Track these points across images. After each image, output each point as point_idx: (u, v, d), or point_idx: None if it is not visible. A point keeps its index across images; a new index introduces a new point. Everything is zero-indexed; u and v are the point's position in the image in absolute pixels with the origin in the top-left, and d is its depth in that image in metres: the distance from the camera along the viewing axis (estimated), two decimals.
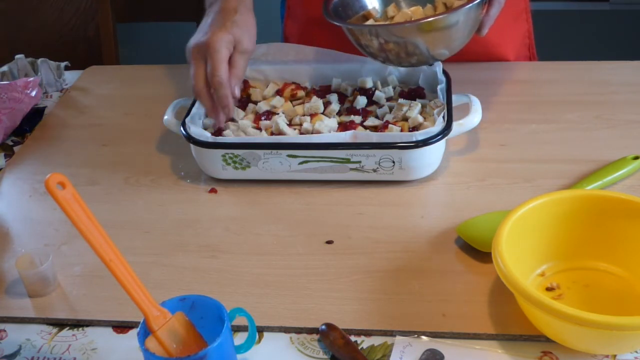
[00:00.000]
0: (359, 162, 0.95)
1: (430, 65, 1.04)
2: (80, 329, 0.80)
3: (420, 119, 0.99)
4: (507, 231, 0.74)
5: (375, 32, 0.95)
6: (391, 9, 1.05)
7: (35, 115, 1.22)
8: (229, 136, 0.99)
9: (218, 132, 1.00)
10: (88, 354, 0.76)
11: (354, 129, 0.98)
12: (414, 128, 0.98)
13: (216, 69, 0.93)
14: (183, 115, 1.01)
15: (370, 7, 1.06)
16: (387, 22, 1.03)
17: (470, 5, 0.92)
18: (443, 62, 1.05)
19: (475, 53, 1.19)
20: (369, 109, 1.04)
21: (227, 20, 0.96)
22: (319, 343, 0.75)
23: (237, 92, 0.96)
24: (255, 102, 1.07)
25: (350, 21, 1.04)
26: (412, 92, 1.06)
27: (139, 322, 0.68)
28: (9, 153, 1.13)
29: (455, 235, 0.87)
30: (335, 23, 0.99)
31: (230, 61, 0.96)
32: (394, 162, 0.94)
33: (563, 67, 1.23)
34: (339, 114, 1.04)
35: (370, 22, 1.04)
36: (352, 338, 0.75)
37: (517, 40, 1.27)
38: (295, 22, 1.29)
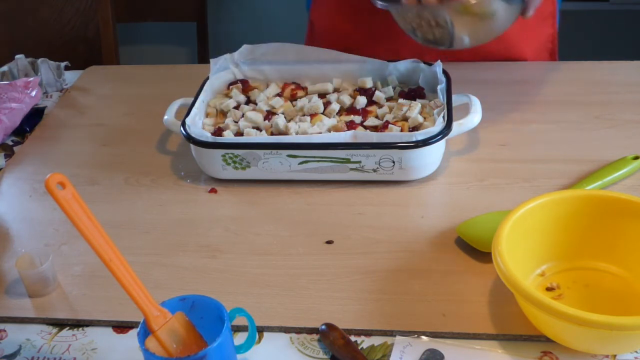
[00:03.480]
0: (359, 162, 0.95)
1: (450, 48, 1.02)
2: (80, 329, 0.80)
3: (420, 119, 0.99)
4: (507, 231, 0.74)
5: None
6: None
7: (35, 115, 1.22)
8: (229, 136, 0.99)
9: (218, 132, 1.00)
10: (88, 354, 0.76)
11: (354, 129, 0.98)
12: (414, 128, 0.98)
13: None
14: (183, 115, 1.01)
15: None
16: None
17: None
18: (444, 62, 1.06)
19: (493, 51, 1.18)
20: (369, 109, 1.04)
21: None
22: (319, 343, 0.75)
23: None
24: (256, 103, 1.07)
25: None
26: (412, 92, 1.06)
27: (139, 322, 0.68)
28: (9, 153, 1.13)
29: (455, 235, 0.87)
30: None
31: None
32: (394, 162, 0.94)
33: (563, 67, 1.23)
34: (339, 114, 1.04)
35: None
36: (352, 338, 0.75)
37: (538, 44, 1.25)
38: (321, 8, 1.28)
